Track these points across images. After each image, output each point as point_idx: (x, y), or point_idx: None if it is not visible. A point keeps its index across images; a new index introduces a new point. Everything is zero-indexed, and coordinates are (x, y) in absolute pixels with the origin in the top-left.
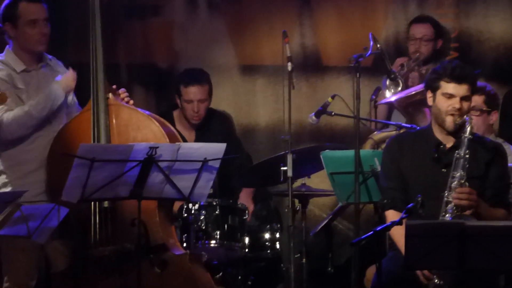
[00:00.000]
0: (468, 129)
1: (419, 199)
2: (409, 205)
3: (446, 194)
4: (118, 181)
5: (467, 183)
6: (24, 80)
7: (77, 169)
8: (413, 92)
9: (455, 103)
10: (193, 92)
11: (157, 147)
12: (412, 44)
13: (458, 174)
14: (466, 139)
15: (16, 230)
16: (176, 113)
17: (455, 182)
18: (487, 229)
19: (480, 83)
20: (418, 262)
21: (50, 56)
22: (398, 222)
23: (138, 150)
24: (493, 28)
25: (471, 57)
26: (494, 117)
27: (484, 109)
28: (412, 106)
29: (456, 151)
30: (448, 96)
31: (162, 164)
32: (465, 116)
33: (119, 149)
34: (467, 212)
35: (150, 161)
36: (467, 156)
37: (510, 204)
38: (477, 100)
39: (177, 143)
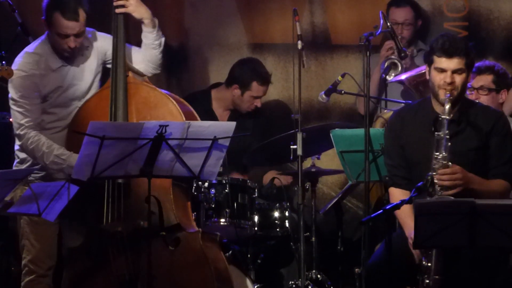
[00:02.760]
0: (447, 109)
1: (429, 177)
2: (419, 184)
3: (431, 175)
4: (128, 159)
5: (450, 163)
6: (58, 77)
7: (87, 147)
8: (423, 70)
9: (446, 77)
10: (265, 90)
11: (167, 125)
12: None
13: (440, 155)
14: (444, 120)
15: (26, 208)
16: (215, 93)
17: (438, 164)
18: (498, 207)
19: (489, 62)
20: (427, 240)
21: (89, 35)
22: (408, 201)
23: (148, 128)
24: (503, 7)
25: (480, 35)
26: (504, 96)
27: (492, 88)
28: (422, 84)
29: (436, 133)
30: (440, 71)
31: (172, 142)
32: (445, 95)
33: (129, 127)
34: (451, 192)
35: (160, 139)
36: (448, 136)
37: None
38: (486, 79)
39: (187, 121)
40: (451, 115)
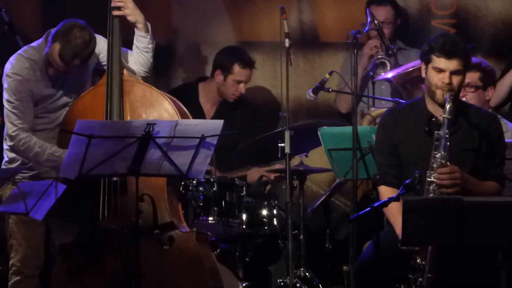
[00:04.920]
0: (447, 108)
1: (417, 175)
2: (407, 181)
3: (428, 174)
4: (116, 158)
5: (448, 163)
6: (52, 86)
7: (75, 145)
8: (411, 69)
9: (445, 77)
10: (247, 75)
11: (155, 124)
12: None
13: (439, 154)
14: (445, 119)
15: (13, 207)
16: (202, 86)
17: (436, 163)
18: (486, 205)
19: (476, 59)
20: (415, 238)
21: None
22: (396, 198)
23: (136, 127)
24: (491, 4)
25: (468, 33)
26: (490, 93)
27: (479, 85)
28: (410, 83)
29: (436, 132)
30: (438, 70)
31: (159, 141)
32: (445, 95)
33: (117, 125)
34: (450, 190)
35: (147, 138)
36: (447, 136)
37: (504, 177)
38: (472, 76)
39: (174, 119)
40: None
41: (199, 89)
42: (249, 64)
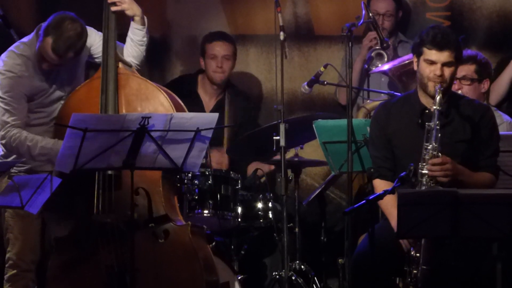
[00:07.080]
0: (437, 99)
1: (412, 167)
2: (402, 174)
3: (421, 166)
4: (111, 151)
5: (440, 154)
6: (45, 80)
7: (70, 139)
8: (407, 61)
9: (436, 69)
10: (218, 47)
11: (150, 117)
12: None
13: (430, 146)
14: (435, 111)
15: (9, 200)
16: (201, 78)
17: (428, 154)
18: (481, 197)
19: (471, 51)
20: (410, 231)
21: None
22: (391, 191)
23: (130, 120)
24: None
25: (463, 25)
26: (486, 85)
27: (475, 78)
28: (405, 75)
29: (427, 123)
30: (430, 63)
31: (154, 134)
32: (436, 86)
33: (112, 119)
34: (444, 180)
35: (142, 131)
36: (438, 127)
37: (498, 168)
38: (468, 69)
39: (169, 113)
40: (441, 107)
41: (198, 81)
42: (216, 37)
